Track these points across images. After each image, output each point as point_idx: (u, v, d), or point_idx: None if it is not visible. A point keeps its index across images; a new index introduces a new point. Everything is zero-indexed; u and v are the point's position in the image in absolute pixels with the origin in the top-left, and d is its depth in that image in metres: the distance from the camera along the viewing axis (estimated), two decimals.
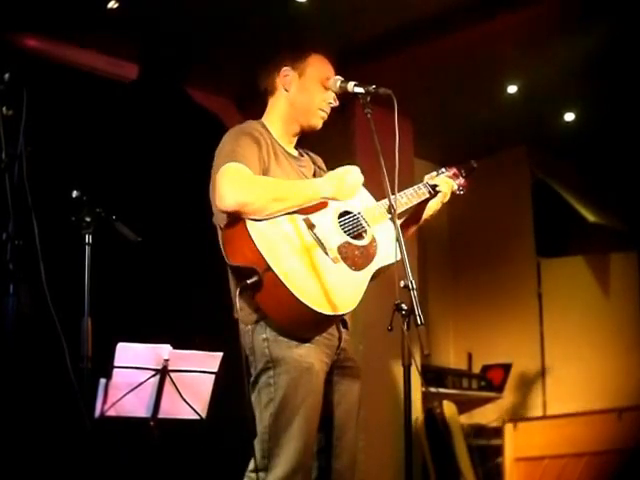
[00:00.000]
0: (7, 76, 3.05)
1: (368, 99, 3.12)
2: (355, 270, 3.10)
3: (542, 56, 6.05)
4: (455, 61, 6.06)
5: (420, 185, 3.50)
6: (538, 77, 6.38)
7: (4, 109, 3.03)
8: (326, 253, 3.04)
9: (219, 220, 3.10)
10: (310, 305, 2.87)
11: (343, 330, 3.18)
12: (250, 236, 2.90)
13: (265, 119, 3.33)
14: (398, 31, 5.77)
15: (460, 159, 8.23)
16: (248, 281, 2.90)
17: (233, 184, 2.95)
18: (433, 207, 3.52)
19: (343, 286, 3.03)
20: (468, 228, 7.94)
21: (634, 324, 7.29)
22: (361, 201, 3.31)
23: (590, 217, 7.68)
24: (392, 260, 3.19)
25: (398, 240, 2.92)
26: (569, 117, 7.11)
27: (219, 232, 3.12)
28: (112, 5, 5.23)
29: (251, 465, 3.02)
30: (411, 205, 3.43)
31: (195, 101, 6.35)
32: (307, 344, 3.00)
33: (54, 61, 5.60)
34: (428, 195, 3.49)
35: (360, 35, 5.84)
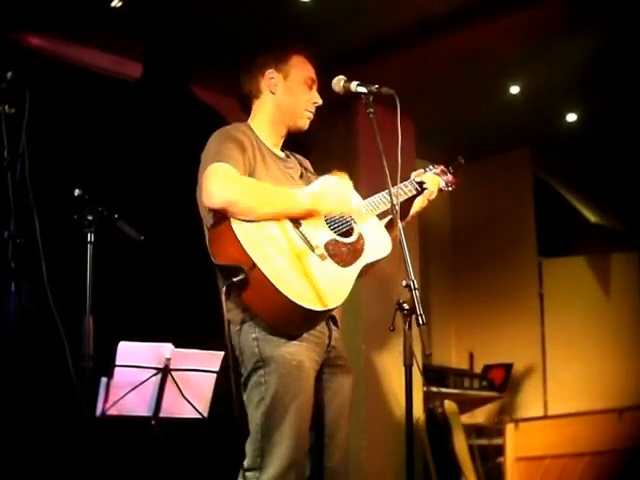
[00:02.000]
0: (10, 74, 3.06)
1: (371, 99, 3.12)
2: (343, 266, 3.11)
3: (544, 57, 6.05)
4: (458, 61, 6.05)
5: (406, 182, 3.50)
6: (540, 78, 6.38)
7: (6, 107, 3.03)
8: (313, 250, 3.05)
9: (206, 220, 3.12)
10: (296, 300, 2.88)
11: (333, 328, 3.18)
12: (235, 235, 2.92)
13: (251, 121, 3.34)
14: (400, 31, 5.76)
15: (463, 159, 8.26)
16: (234, 279, 2.91)
17: (221, 182, 2.98)
18: (419, 204, 3.55)
19: (330, 282, 3.04)
20: (470, 228, 7.95)
21: (635, 324, 7.29)
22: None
23: (592, 217, 7.68)
24: (380, 255, 3.25)
25: (400, 240, 2.92)
26: (571, 118, 7.11)
27: (206, 232, 3.15)
28: (116, 4, 5.23)
29: (245, 464, 3.02)
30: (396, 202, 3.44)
31: (199, 100, 6.35)
32: (296, 342, 3.01)
33: (57, 60, 5.60)
34: (415, 192, 3.51)
35: (362, 35, 5.83)
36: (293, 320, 2.98)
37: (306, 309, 2.91)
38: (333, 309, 3.07)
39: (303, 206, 3.09)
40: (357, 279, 3.19)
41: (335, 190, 3.14)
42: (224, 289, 2.93)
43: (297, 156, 3.49)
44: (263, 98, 3.32)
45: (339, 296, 3.06)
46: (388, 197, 3.33)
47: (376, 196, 3.38)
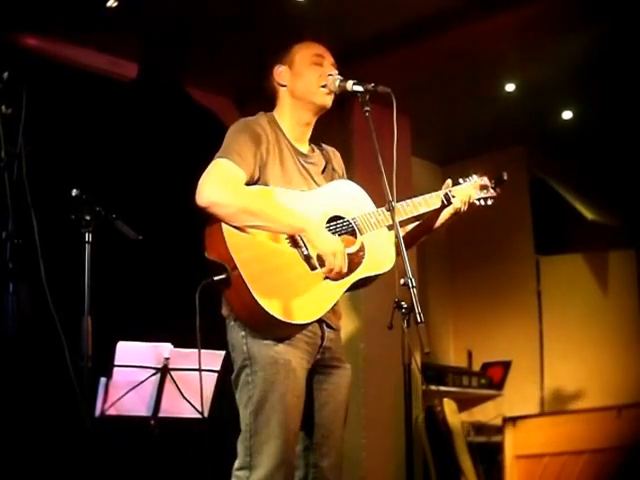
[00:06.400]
0: (6, 75, 3.06)
1: (367, 97, 3.10)
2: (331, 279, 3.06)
3: (540, 54, 6.05)
4: (453, 60, 6.06)
5: (433, 194, 3.42)
6: (536, 75, 6.38)
7: (3, 108, 3.03)
8: (304, 259, 3.02)
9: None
10: (268, 310, 2.87)
11: (327, 329, 3.13)
12: (223, 234, 2.91)
13: (275, 113, 3.32)
14: (396, 30, 5.77)
15: (458, 158, 8.31)
16: (215, 278, 2.92)
17: (214, 182, 2.97)
18: (445, 217, 3.44)
19: (311, 295, 3.01)
20: (467, 226, 7.91)
21: (633, 321, 7.30)
22: (359, 207, 3.27)
23: (588, 215, 7.69)
24: (378, 271, 3.18)
25: (397, 238, 2.91)
26: (567, 115, 7.11)
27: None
28: (111, 4, 5.23)
29: (236, 464, 3.02)
30: (417, 214, 3.37)
31: (194, 100, 6.35)
32: (285, 342, 2.99)
33: (53, 60, 5.60)
34: (439, 205, 3.40)
35: (358, 34, 5.83)
36: (266, 326, 2.95)
37: (277, 320, 2.89)
38: (307, 324, 3.02)
39: (293, 232, 3.03)
40: (354, 290, 3.15)
41: (330, 245, 3.02)
42: (200, 286, 2.94)
43: (325, 149, 3.43)
44: (280, 94, 3.31)
45: (314, 312, 3.02)
46: (408, 207, 3.31)
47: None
